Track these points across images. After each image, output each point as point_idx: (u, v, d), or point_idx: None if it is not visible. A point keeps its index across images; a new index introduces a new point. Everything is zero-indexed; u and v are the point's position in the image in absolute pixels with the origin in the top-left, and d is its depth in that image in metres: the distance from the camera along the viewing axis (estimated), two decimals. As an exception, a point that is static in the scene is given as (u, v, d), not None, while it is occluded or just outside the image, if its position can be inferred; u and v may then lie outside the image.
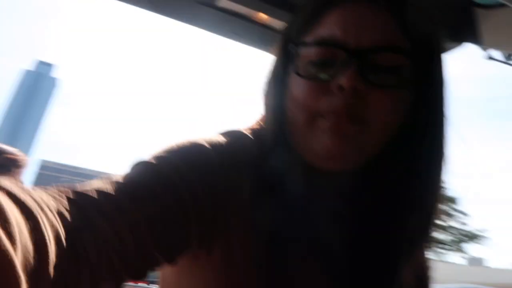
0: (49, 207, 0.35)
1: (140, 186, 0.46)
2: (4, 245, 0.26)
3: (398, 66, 0.52)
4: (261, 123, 0.64)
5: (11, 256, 0.26)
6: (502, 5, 0.89)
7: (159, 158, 0.50)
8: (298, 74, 0.54)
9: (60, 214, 0.36)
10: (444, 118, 0.57)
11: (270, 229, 0.54)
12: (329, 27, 0.53)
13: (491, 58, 1.04)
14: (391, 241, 0.58)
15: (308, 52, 0.54)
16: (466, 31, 1.07)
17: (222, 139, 0.56)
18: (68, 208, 0.38)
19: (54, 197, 0.37)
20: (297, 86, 0.55)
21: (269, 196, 0.54)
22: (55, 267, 0.32)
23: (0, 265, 0.25)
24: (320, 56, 0.53)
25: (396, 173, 0.56)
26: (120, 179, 0.46)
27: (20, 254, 0.28)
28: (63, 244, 0.34)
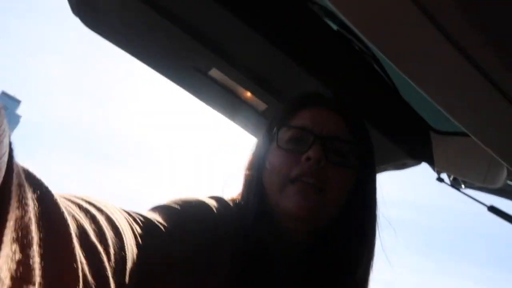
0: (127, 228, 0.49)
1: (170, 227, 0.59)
2: (105, 263, 0.38)
3: (346, 152, 0.74)
4: (240, 197, 0.80)
5: (107, 270, 0.38)
6: (455, 133, 1.02)
7: (178, 204, 0.65)
8: (279, 146, 0.75)
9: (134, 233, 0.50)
10: (375, 203, 0.78)
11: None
12: (302, 120, 0.77)
13: (440, 179, 1.14)
14: None
15: (287, 134, 0.76)
16: (423, 152, 1.19)
17: (214, 202, 0.71)
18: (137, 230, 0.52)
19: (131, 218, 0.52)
20: (276, 157, 0.75)
21: (246, 261, 0.67)
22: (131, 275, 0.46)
23: (101, 276, 0.37)
24: (295, 137, 0.75)
25: (339, 243, 0.74)
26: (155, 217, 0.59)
27: (112, 264, 0.40)
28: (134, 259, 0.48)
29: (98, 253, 0.37)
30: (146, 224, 0.54)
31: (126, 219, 0.49)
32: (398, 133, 1.15)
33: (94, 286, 0.34)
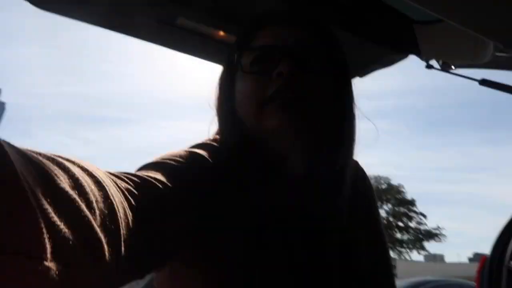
0: (115, 183, 0.42)
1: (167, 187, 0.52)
2: (84, 212, 0.32)
3: (317, 60, 0.69)
4: (219, 134, 0.74)
5: (90, 220, 0.32)
6: (437, 21, 0.99)
7: (171, 160, 0.58)
8: (245, 72, 0.69)
9: (123, 191, 0.43)
10: (352, 99, 0.74)
11: (247, 224, 0.62)
12: (262, 39, 0.70)
13: (430, 66, 1.15)
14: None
15: (249, 57, 0.70)
16: (409, 44, 1.17)
17: (202, 151, 0.65)
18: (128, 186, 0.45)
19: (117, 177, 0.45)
20: (244, 83, 0.69)
21: (242, 194, 0.63)
22: (125, 229, 0.39)
23: (83, 227, 0.31)
24: (259, 58, 0.69)
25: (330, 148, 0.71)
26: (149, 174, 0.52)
27: (97, 217, 0.34)
28: (130, 212, 0.42)
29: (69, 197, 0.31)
30: (140, 182, 0.47)
31: (109, 177, 0.42)
32: (379, 30, 1.12)
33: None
